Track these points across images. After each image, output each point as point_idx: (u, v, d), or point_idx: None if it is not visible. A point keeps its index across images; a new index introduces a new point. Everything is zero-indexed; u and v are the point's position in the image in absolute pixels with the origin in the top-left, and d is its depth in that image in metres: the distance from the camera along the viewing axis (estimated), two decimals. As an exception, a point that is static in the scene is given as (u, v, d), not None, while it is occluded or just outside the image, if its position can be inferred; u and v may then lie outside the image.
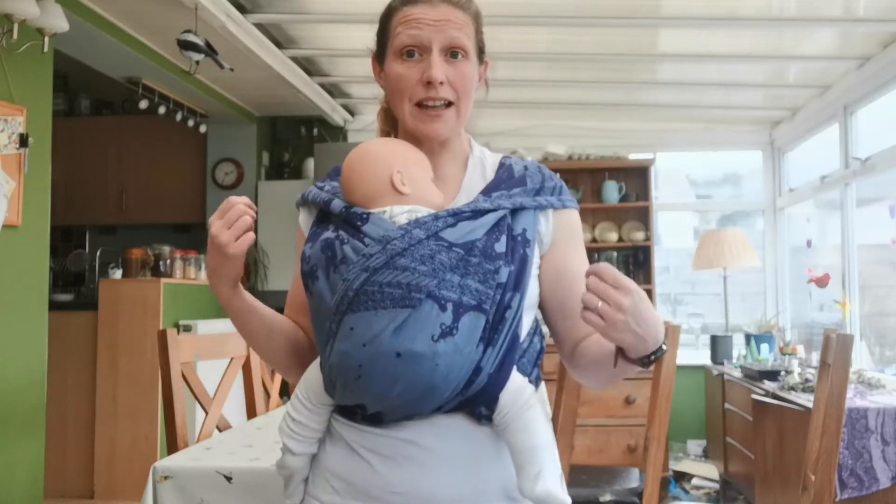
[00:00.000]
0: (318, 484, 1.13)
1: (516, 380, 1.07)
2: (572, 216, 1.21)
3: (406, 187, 1.12)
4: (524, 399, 1.06)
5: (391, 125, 1.29)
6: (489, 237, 1.07)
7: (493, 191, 1.15)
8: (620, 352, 1.03)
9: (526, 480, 1.04)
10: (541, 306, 1.20)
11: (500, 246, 1.08)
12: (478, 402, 1.05)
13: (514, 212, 1.13)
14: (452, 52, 1.15)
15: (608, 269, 0.96)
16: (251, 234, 1.10)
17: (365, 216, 1.09)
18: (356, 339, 1.02)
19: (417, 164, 1.15)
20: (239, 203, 1.09)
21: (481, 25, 1.22)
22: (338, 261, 1.06)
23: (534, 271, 1.14)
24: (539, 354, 1.16)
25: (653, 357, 1.02)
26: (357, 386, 1.03)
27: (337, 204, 1.14)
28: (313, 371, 1.13)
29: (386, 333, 1.00)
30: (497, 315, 1.05)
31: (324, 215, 1.17)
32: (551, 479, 1.05)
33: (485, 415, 1.06)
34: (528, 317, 1.14)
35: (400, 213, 1.09)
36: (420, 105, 1.15)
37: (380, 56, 1.22)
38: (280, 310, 1.25)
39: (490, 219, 1.09)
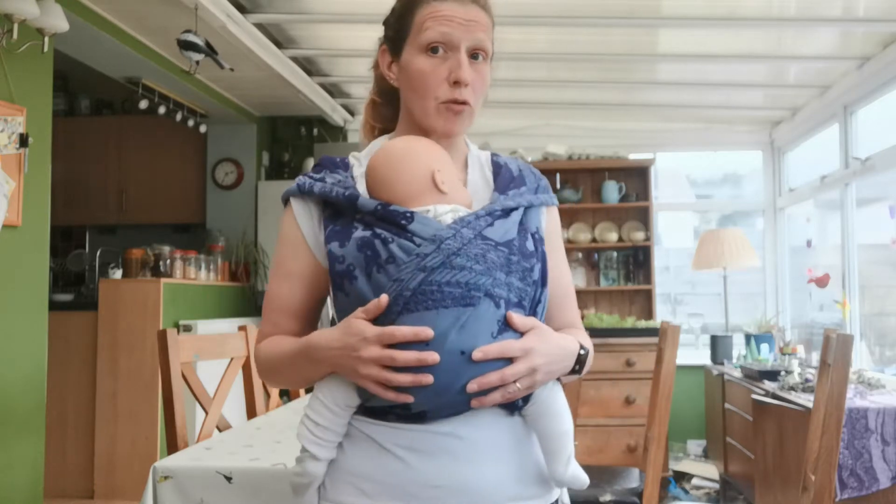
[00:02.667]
0: (340, 489, 1.10)
1: None
2: (556, 213, 1.27)
3: (445, 185, 1.12)
4: (552, 387, 1.10)
5: (381, 118, 1.29)
6: (521, 236, 1.11)
7: (506, 189, 1.17)
8: None
9: (559, 464, 1.09)
10: None
11: (530, 244, 1.12)
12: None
13: (525, 210, 1.16)
14: (474, 54, 1.15)
15: (494, 349, 1.02)
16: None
17: (409, 214, 1.07)
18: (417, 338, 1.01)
19: (450, 163, 1.15)
20: (404, 336, 1.01)
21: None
22: (382, 260, 1.04)
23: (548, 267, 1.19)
24: None
25: (578, 368, 1.13)
26: (414, 388, 1.01)
27: (368, 201, 1.10)
28: (338, 374, 1.09)
29: (452, 332, 1.00)
30: (531, 311, 1.10)
31: (337, 211, 1.13)
32: (575, 461, 1.12)
33: (519, 406, 1.08)
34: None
35: (444, 213, 1.09)
36: (445, 103, 1.15)
37: (395, 45, 1.20)
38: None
39: (516, 217, 1.13)
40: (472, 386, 1.01)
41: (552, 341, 1.07)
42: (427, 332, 1.00)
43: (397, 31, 1.19)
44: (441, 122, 1.16)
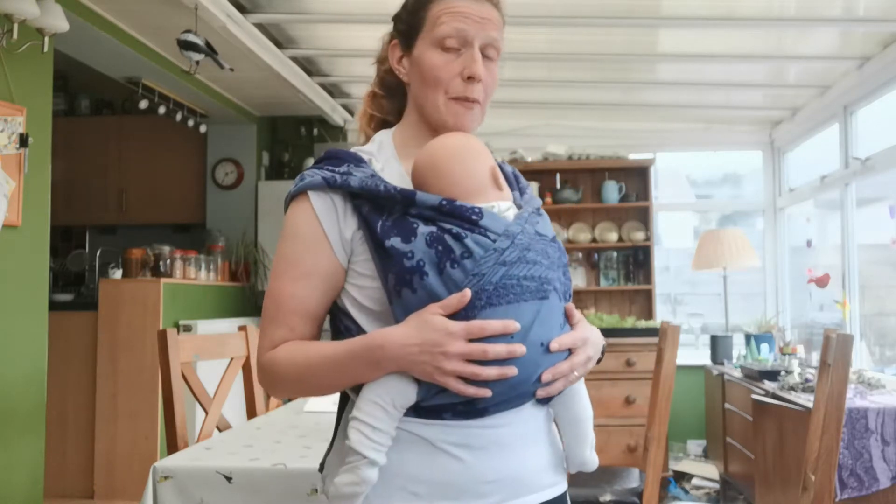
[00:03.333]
0: (388, 494, 1.06)
1: None
2: None
3: (501, 181, 1.14)
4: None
5: (378, 110, 1.27)
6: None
7: (517, 190, 1.21)
8: None
9: (583, 448, 1.15)
10: None
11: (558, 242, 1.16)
12: None
13: None
14: (487, 53, 1.16)
15: (564, 342, 1.06)
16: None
17: (478, 210, 1.06)
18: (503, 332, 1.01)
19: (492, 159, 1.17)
20: (495, 330, 1.01)
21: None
22: (457, 255, 1.02)
23: None
24: None
25: (601, 357, 1.18)
26: (491, 383, 1.01)
27: (429, 196, 1.07)
28: (395, 375, 1.04)
29: (535, 325, 1.02)
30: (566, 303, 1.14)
31: (377, 206, 1.08)
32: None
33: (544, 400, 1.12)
34: None
35: (507, 209, 1.11)
36: (456, 99, 1.15)
37: (407, 40, 1.19)
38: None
39: (546, 216, 1.17)
40: (547, 376, 1.04)
41: (595, 332, 1.14)
42: (514, 324, 1.00)
43: (410, 25, 1.18)
44: (452, 117, 1.15)
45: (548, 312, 1.04)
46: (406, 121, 1.22)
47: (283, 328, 1.12)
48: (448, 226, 1.05)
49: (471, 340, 1.00)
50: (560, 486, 1.16)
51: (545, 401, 1.11)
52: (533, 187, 4.35)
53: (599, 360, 1.17)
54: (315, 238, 1.10)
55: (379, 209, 1.08)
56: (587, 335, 1.10)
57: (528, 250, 1.05)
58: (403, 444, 1.06)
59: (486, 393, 1.01)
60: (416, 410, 1.05)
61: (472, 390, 1.00)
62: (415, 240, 1.04)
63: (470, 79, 1.14)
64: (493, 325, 0.99)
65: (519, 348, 1.00)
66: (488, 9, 1.16)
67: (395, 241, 1.05)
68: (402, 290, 1.04)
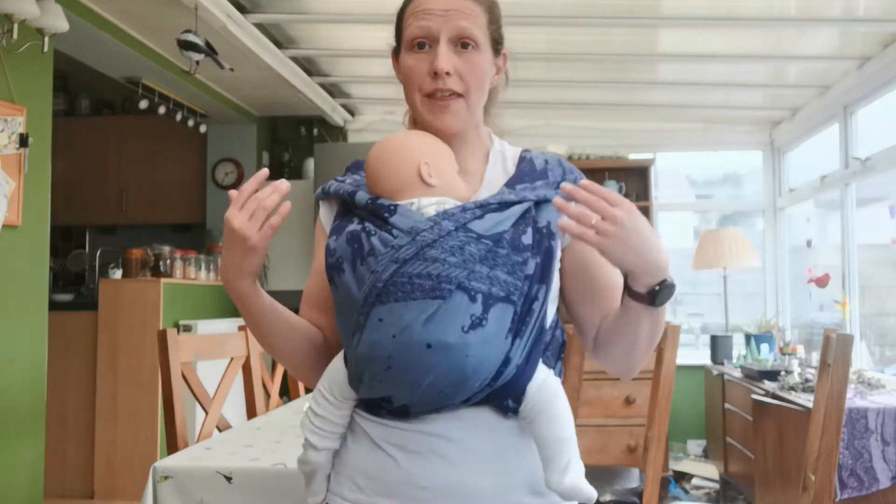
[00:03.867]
0: (341, 482, 1.12)
1: (542, 371, 1.08)
2: None
3: (433, 179, 1.11)
4: (551, 390, 1.07)
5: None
6: (516, 229, 1.07)
7: (516, 183, 1.15)
8: (627, 288, 1.06)
9: (554, 473, 1.05)
10: (563, 297, 1.19)
11: (527, 238, 1.07)
12: (506, 393, 1.05)
13: (538, 204, 1.12)
14: (463, 43, 1.14)
15: (597, 186, 0.99)
16: (276, 220, 1.08)
17: (392, 208, 1.08)
18: (386, 330, 1.01)
19: (444, 156, 1.15)
20: (253, 189, 1.08)
21: (498, 17, 1.22)
22: (365, 252, 1.05)
23: (557, 264, 1.13)
24: (562, 347, 1.16)
25: (659, 289, 1.03)
26: (386, 377, 1.02)
27: (362, 196, 1.12)
28: (338, 364, 1.12)
29: (417, 324, 0.99)
30: (525, 306, 1.05)
31: (347, 208, 1.16)
32: (578, 471, 1.05)
33: (511, 407, 1.06)
34: (552, 309, 1.14)
35: (428, 205, 1.08)
36: (430, 96, 1.15)
37: (397, 48, 1.22)
38: (291, 309, 1.23)
39: (516, 210, 1.08)
40: (558, 200, 1.00)
41: (645, 223, 1.01)
42: (284, 183, 1.07)
43: (396, 34, 1.22)
44: (430, 116, 1.16)
45: (442, 313, 0.99)
46: (417, 124, 1.24)
47: (300, 312, 1.24)
48: (368, 224, 1.08)
49: (358, 323, 1.05)
50: None
51: (505, 411, 1.06)
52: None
53: (655, 299, 1.04)
54: (320, 239, 1.22)
55: (345, 212, 1.16)
56: (624, 199, 0.99)
57: (431, 247, 1.02)
58: (356, 436, 1.11)
59: (284, 185, 1.07)
60: (364, 405, 1.10)
61: (275, 220, 1.07)
62: (339, 238, 1.10)
63: (435, 74, 1.13)
64: (248, 185, 1.07)
65: (283, 183, 1.07)
66: (456, 0, 1.14)
67: (330, 240, 1.12)
68: (331, 286, 1.11)
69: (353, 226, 1.10)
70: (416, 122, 1.24)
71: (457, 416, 1.05)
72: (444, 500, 1.05)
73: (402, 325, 1.00)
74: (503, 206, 1.08)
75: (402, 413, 1.06)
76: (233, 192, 1.08)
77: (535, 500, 1.09)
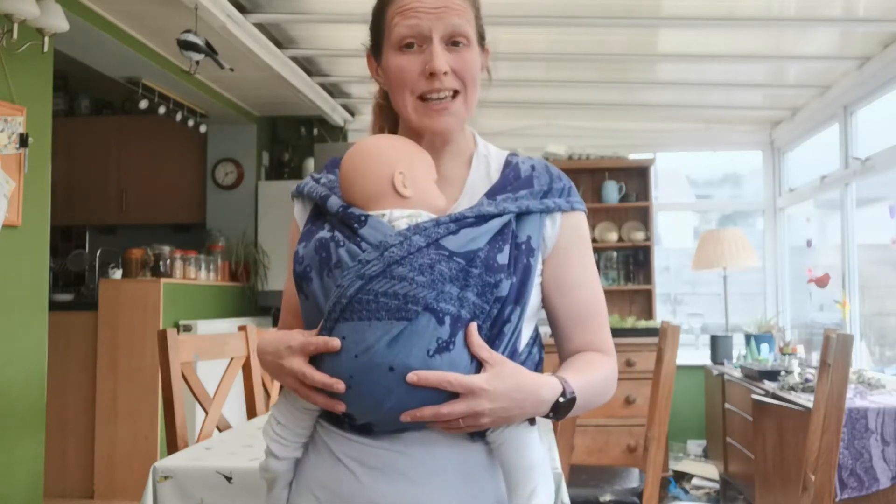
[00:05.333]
0: (300, 492, 1.09)
1: None
2: (579, 219, 1.14)
3: (408, 189, 1.06)
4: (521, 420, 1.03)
5: (388, 121, 1.23)
6: (492, 246, 1.02)
7: (498, 193, 1.09)
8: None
9: (519, 500, 1.01)
10: (546, 312, 1.16)
11: (503, 257, 1.02)
12: None
13: (520, 216, 1.07)
14: (454, 41, 1.09)
15: (429, 378, 0.94)
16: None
17: (363, 218, 1.03)
18: (348, 349, 0.96)
19: (421, 164, 1.09)
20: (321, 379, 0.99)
21: (480, 10, 1.16)
22: (332, 264, 1.01)
23: (536, 280, 1.08)
24: (538, 365, 1.11)
25: (554, 414, 1.02)
26: (346, 397, 0.98)
27: (334, 202, 1.08)
28: None
29: (380, 346, 0.95)
30: (494, 330, 1.01)
31: (319, 211, 1.12)
32: (545, 497, 1.01)
33: (478, 432, 1.02)
34: (528, 327, 1.09)
35: (400, 218, 1.03)
36: (423, 98, 1.09)
37: (376, 51, 1.17)
38: (280, 311, 1.22)
39: (494, 224, 1.03)
40: (405, 418, 0.96)
41: (511, 382, 0.97)
42: (334, 342, 0.96)
43: (375, 34, 1.17)
44: (424, 119, 1.10)
45: (407, 335, 0.94)
46: (400, 126, 1.19)
47: (280, 321, 1.21)
48: (338, 233, 1.04)
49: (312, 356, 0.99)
50: None
51: (473, 436, 1.02)
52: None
53: (552, 416, 1.02)
54: (295, 240, 1.15)
55: (317, 215, 1.12)
56: (479, 385, 0.95)
57: (399, 265, 0.96)
58: (316, 448, 1.08)
59: (340, 406, 0.99)
60: (327, 417, 1.07)
61: (321, 401, 1.00)
62: (308, 245, 1.06)
63: (432, 75, 1.07)
64: (317, 342, 0.98)
65: (337, 384, 0.96)
66: None
67: (299, 247, 1.08)
68: (299, 295, 1.08)
69: (323, 233, 1.05)
70: (382, 125, 1.22)
71: (420, 435, 1.02)
72: None
73: (364, 346, 0.95)
74: (480, 219, 1.03)
75: (366, 429, 1.03)
76: (307, 345, 1.00)
77: None
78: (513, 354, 1.04)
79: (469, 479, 1.03)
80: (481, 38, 1.16)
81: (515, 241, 1.05)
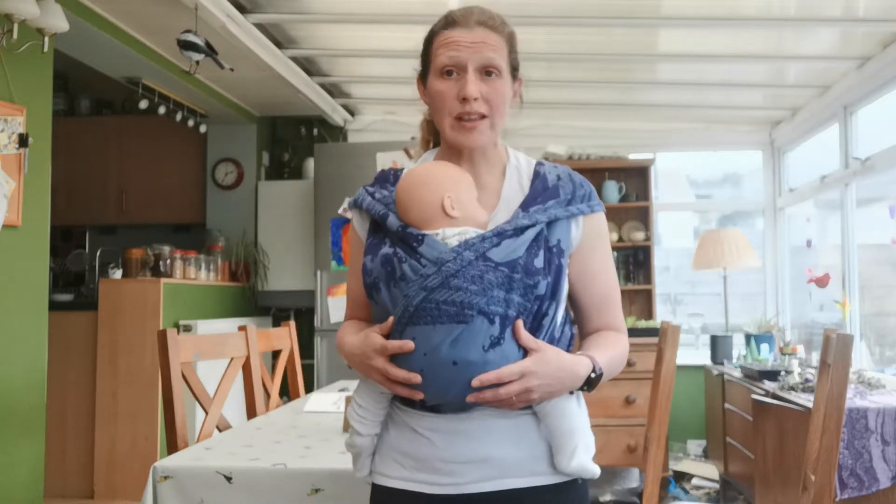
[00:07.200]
0: (385, 463, 1.30)
1: None
2: (599, 219, 1.35)
3: (456, 210, 1.25)
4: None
5: (432, 134, 1.44)
6: (529, 253, 1.21)
7: (530, 205, 1.28)
8: None
9: (563, 457, 1.23)
10: (569, 299, 1.35)
11: (539, 261, 1.21)
12: None
13: (550, 223, 1.26)
14: (487, 71, 1.28)
15: (494, 374, 1.15)
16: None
17: (420, 237, 1.22)
18: (417, 348, 1.16)
19: (465, 186, 1.28)
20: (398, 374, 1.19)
21: (516, 45, 1.36)
22: (397, 277, 1.21)
23: (565, 278, 1.27)
24: (571, 341, 1.31)
25: (587, 387, 1.23)
26: (419, 387, 1.17)
27: (393, 222, 1.27)
28: None
29: (444, 345, 1.14)
30: (535, 322, 1.21)
31: (377, 225, 1.31)
32: (585, 454, 1.24)
33: (525, 406, 1.22)
34: (561, 311, 1.27)
35: (451, 236, 1.22)
36: (458, 118, 1.29)
37: (424, 75, 1.36)
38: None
39: (529, 235, 1.22)
40: (470, 399, 1.16)
41: (554, 364, 1.18)
42: (409, 344, 1.16)
43: (423, 62, 1.36)
44: (460, 136, 1.30)
45: (466, 335, 1.14)
46: (441, 142, 1.39)
47: (348, 310, 1.42)
48: (399, 249, 1.23)
49: (393, 339, 1.19)
50: (546, 478, 1.25)
51: (527, 407, 1.22)
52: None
53: (586, 389, 1.24)
54: (357, 244, 1.37)
55: (376, 227, 1.31)
56: (528, 368, 1.15)
57: (455, 277, 1.16)
58: (396, 424, 1.29)
59: (418, 395, 1.18)
60: (401, 399, 1.27)
61: (405, 392, 1.19)
62: (374, 259, 1.26)
63: (464, 100, 1.27)
64: (392, 344, 1.18)
65: (414, 378, 1.16)
66: (481, 33, 1.29)
67: (366, 259, 1.28)
68: (370, 300, 1.28)
69: (386, 248, 1.25)
70: (428, 138, 1.43)
71: (481, 409, 1.22)
72: (472, 471, 1.22)
73: (431, 345, 1.15)
74: (518, 231, 1.23)
75: (436, 409, 1.24)
76: (388, 346, 1.20)
77: (553, 473, 1.25)
78: (552, 340, 1.24)
79: (523, 436, 1.24)
80: (514, 69, 1.36)
81: (548, 245, 1.25)
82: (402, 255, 1.22)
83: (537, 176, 1.34)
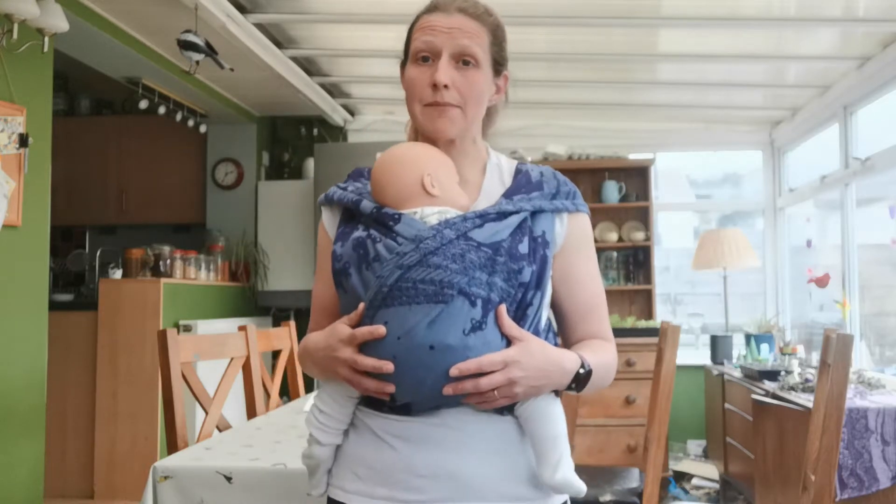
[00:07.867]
0: (342, 474, 1.18)
1: None
2: (584, 220, 1.26)
3: (435, 189, 1.17)
4: (547, 393, 1.13)
5: (416, 133, 1.35)
6: (513, 238, 1.13)
7: (513, 194, 1.20)
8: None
9: (547, 468, 1.11)
10: (552, 305, 1.26)
11: (524, 247, 1.13)
12: None
13: (534, 214, 1.18)
14: (464, 60, 1.20)
15: (473, 363, 1.04)
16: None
17: (397, 216, 1.13)
18: (391, 332, 1.06)
19: (445, 167, 1.20)
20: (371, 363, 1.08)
21: (502, 39, 1.28)
22: (370, 258, 1.11)
23: (549, 272, 1.19)
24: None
25: (575, 386, 1.14)
26: (392, 377, 1.07)
27: (367, 204, 1.18)
28: None
29: (420, 327, 1.05)
30: (519, 312, 1.12)
31: (350, 215, 1.21)
32: (569, 467, 1.12)
33: (507, 405, 1.11)
34: (545, 314, 1.20)
35: (431, 214, 1.14)
36: (428, 106, 1.20)
37: (404, 61, 1.28)
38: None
39: (513, 220, 1.14)
40: (448, 390, 1.05)
41: (539, 356, 1.08)
42: (380, 329, 1.06)
43: (405, 50, 1.28)
44: (428, 123, 1.21)
45: (445, 317, 1.05)
46: (419, 137, 1.29)
47: (311, 321, 1.30)
48: (373, 231, 1.14)
49: (363, 325, 1.08)
50: (528, 503, 1.13)
51: (502, 411, 1.12)
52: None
53: (574, 388, 1.14)
54: (325, 245, 1.25)
55: (349, 219, 1.22)
56: (512, 357, 1.06)
57: (434, 255, 1.07)
58: (357, 430, 1.18)
59: (389, 388, 1.07)
60: (366, 401, 1.16)
61: (374, 385, 1.08)
62: (345, 244, 1.17)
63: (434, 86, 1.18)
64: (361, 331, 1.07)
65: (386, 366, 1.05)
66: (459, 19, 1.21)
67: (336, 246, 1.18)
68: (339, 290, 1.17)
69: (359, 232, 1.15)
70: (414, 137, 1.30)
71: (456, 413, 1.11)
72: (442, 490, 1.11)
73: (406, 328, 1.05)
74: (501, 215, 1.14)
75: (405, 410, 1.12)
76: (355, 334, 1.09)
77: (534, 492, 1.14)
78: (535, 334, 1.14)
79: (502, 448, 1.13)
80: (497, 63, 1.28)
81: (532, 234, 1.16)
82: (377, 236, 1.12)
83: (519, 172, 1.26)
